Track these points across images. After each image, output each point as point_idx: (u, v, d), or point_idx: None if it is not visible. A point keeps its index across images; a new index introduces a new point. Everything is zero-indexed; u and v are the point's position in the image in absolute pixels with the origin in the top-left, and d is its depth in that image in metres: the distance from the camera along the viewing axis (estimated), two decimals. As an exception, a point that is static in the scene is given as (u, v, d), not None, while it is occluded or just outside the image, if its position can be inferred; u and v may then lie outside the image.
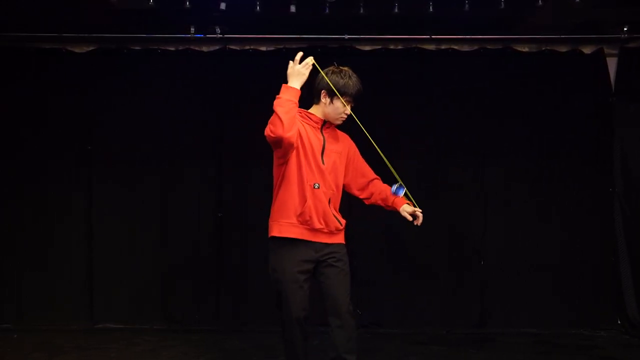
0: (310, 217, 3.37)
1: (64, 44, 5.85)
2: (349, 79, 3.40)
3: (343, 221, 3.54)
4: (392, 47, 5.91)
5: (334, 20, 5.29)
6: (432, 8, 5.01)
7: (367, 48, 5.89)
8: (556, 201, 5.78)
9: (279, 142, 3.23)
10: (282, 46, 5.86)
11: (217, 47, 5.90)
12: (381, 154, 3.45)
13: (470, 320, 5.73)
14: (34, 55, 5.83)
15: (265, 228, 3.51)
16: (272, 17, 5.24)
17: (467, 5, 4.96)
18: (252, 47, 5.90)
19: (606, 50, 5.82)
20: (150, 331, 5.55)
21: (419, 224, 3.52)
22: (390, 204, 3.61)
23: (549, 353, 5.04)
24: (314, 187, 3.38)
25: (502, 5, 4.93)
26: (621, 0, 5.13)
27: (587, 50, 5.86)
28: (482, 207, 5.79)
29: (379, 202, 3.66)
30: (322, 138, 3.47)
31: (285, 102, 3.22)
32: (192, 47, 5.90)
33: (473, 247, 5.79)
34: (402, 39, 5.85)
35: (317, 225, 3.39)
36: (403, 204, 3.55)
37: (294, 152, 3.36)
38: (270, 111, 3.21)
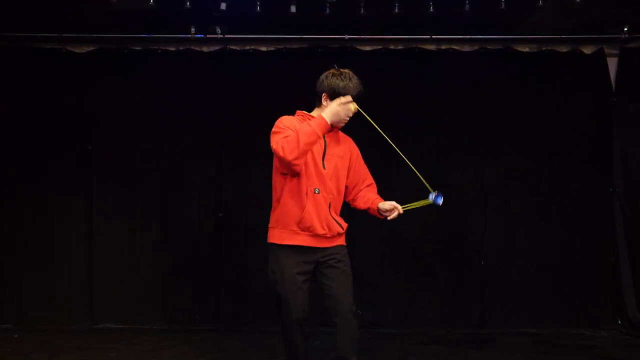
0: (312, 223, 3.36)
1: (64, 44, 5.84)
2: (349, 81, 3.39)
3: (345, 225, 3.53)
4: (392, 47, 5.91)
5: (334, 20, 5.29)
6: (433, 8, 5.01)
7: (368, 48, 5.88)
8: (556, 201, 5.79)
9: (285, 163, 3.25)
10: (282, 46, 5.86)
11: (217, 47, 5.90)
12: (404, 159, 3.44)
13: (470, 320, 5.73)
14: (34, 55, 5.82)
15: (265, 228, 3.51)
16: (272, 17, 5.24)
17: (467, 5, 4.96)
18: (252, 47, 5.90)
19: (606, 50, 5.82)
20: (150, 331, 5.55)
21: (389, 218, 3.45)
22: (370, 212, 3.56)
23: (549, 353, 5.04)
24: (315, 192, 3.37)
25: (503, 5, 4.93)
26: (621, 0, 5.13)
27: (587, 50, 5.86)
28: (482, 207, 5.79)
29: (361, 205, 3.61)
30: (323, 142, 3.45)
31: (312, 133, 3.24)
32: (192, 47, 5.90)
33: (473, 247, 5.79)
34: (402, 39, 5.85)
35: (320, 231, 3.38)
36: (379, 205, 3.49)
37: None
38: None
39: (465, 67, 5.84)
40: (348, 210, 3.72)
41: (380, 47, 5.88)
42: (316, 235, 3.39)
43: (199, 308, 5.78)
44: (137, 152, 5.82)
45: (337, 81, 3.38)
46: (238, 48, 5.90)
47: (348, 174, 3.58)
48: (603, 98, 5.82)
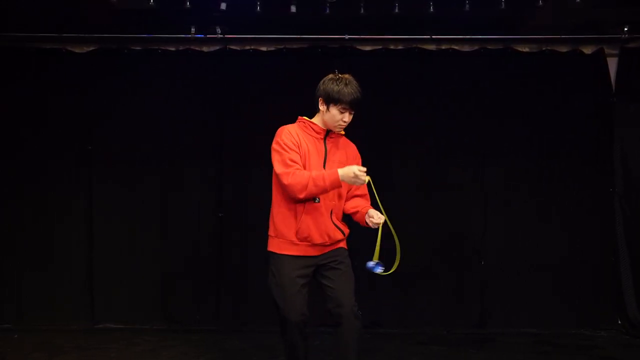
0: (309, 234, 3.36)
1: (64, 44, 5.84)
2: (345, 86, 3.33)
3: (346, 231, 3.53)
4: (392, 47, 5.91)
5: (335, 20, 5.29)
6: (433, 8, 5.01)
7: (368, 48, 5.88)
8: (556, 201, 5.78)
9: (290, 194, 3.28)
10: (282, 46, 5.86)
11: (217, 47, 5.89)
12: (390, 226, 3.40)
13: (470, 320, 5.73)
14: (34, 55, 5.82)
15: (266, 228, 3.51)
16: (272, 17, 5.24)
17: (467, 5, 4.96)
18: (252, 47, 5.90)
19: (606, 50, 5.82)
20: (150, 331, 5.55)
21: (370, 224, 3.44)
22: (356, 216, 3.56)
23: (549, 353, 5.04)
24: (314, 202, 3.36)
25: (503, 6, 4.93)
26: (621, 0, 5.13)
27: (587, 50, 5.86)
28: (482, 207, 5.79)
29: (348, 209, 3.59)
30: (324, 149, 3.44)
31: (322, 187, 3.26)
32: (192, 47, 5.90)
33: (473, 247, 5.79)
34: (402, 39, 5.85)
35: (318, 241, 3.39)
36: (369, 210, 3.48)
37: None
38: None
39: (465, 67, 5.83)
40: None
41: (380, 47, 5.88)
42: (315, 245, 3.40)
43: (199, 308, 5.78)
44: (137, 152, 5.82)
45: (332, 86, 3.35)
46: (238, 48, 5.90)
47: None
48: (603, 98, 5.82)
